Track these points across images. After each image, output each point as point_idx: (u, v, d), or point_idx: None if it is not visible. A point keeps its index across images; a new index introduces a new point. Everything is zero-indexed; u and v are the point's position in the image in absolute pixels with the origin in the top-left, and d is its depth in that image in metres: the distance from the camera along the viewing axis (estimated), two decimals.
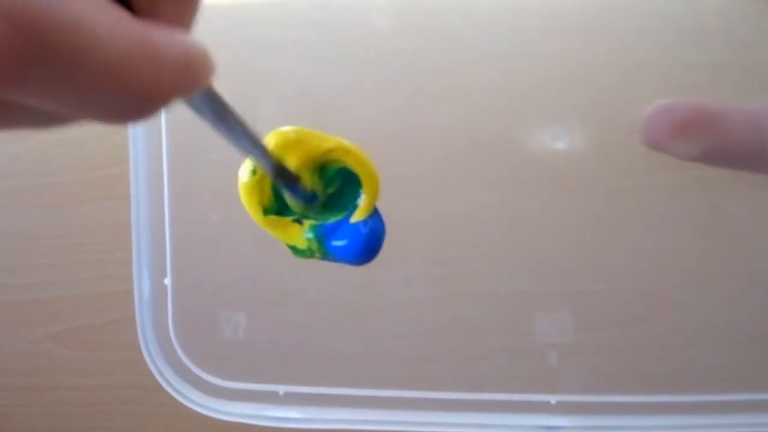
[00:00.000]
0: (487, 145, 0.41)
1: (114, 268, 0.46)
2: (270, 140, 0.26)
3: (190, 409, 0.41)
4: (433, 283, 0.42)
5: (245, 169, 0.27)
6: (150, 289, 0.41)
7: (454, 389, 0.41)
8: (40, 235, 0.47)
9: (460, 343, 0.43)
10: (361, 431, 0.41)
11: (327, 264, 0.29)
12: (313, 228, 0.28)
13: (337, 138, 0.27)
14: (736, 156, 0.22)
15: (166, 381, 0.41)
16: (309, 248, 0.28)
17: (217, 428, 0.42)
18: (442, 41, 0.41)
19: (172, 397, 0.41)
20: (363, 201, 0.28)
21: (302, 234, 0.28)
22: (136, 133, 0.40)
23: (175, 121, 0.40)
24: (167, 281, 0.41)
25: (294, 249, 0.29)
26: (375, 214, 0.28)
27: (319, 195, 0.27)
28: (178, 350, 0.42)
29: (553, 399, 0.40)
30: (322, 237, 0.28)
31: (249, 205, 0.27)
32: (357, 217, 0.28)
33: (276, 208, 0.27)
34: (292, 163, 0.26)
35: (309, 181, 0.26)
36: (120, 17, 0.14)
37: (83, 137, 0.46)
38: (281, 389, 0.42)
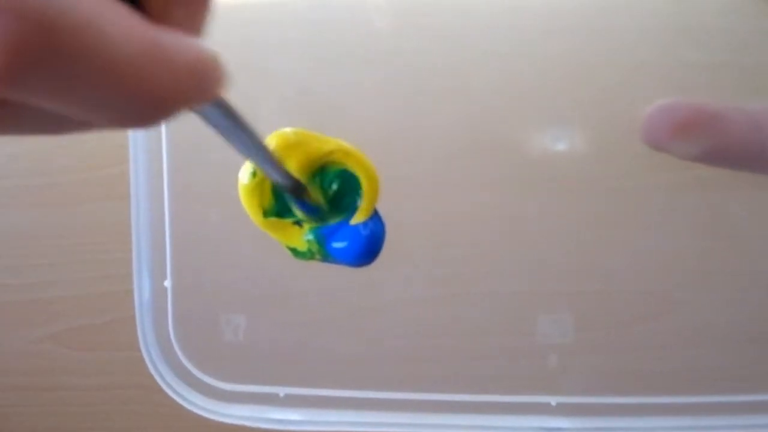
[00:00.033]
0: (487, 145, 0.41)
1: (114, 268, 0.46)
2: (270, 142, 0.26)
3: (190, 410, 0.41)
4: (433, 283, 0.42)
5: (245, 171, 0.27)
6: (150, 291, 0.41)
7: (454, 391, 0.41)
8: (40, 235, 0.47)
9: (460, 343, 0.43)
10: None
11: (327, 266, 0.29)
12: (314, 230, 0.28)
13: (337, 140, 0.27)
14: (736, 156, 0.22)
15: (167, 384, 0.41)
16: (309, 250, 0.28)
17: (218, 429, 0.42)
18: (442, 41, 0.41)
19: (172, 398, 0.41)
20: (363, 203, 0.28)
21: (302, 236, 0.28)
22: (136, 133, 0.40)
23: (175, 121, 0.40)
24: (167, 283, 0.41)
25: (294, 251, 0.29)
26: (375, 216, 0.28)
27: (323, 206, 0.27)
28: (179, 352, 0.42)
29: (553, 400, 0.40)
30: (323, 239, 0.28)
31: (249, 207, 0.27)
32: (357, 219, 0.28)
33: (276, 210, 0.27)
34: (292, 165, 0.26)
35: (308, 188, 0.26)
36: (130, 19, 0.14)
37: (83, 137, 0.46)
38: (281, 391, 0.42)
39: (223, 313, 0.42)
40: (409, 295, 0.42)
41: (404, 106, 0.41)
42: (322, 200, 0.27)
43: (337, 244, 0.28)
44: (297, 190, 0.26)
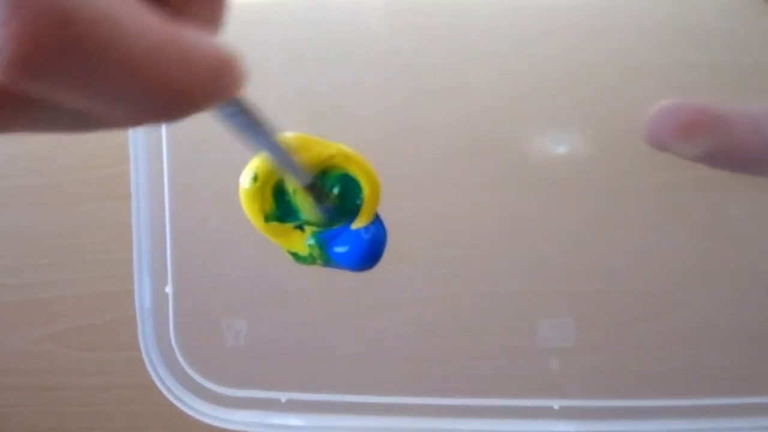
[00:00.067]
0: (487, 145, 0.41)
1: (114, 268, 0.46)
2: None
3: (192, 416, 0.41)
4: (433, 283, 0.42)
5: (246, 175, 0.27)
6: (151, 297, 0.41)
7: (455, 394, 0.41)
8: (40, 235, 0.47)
9: (461, 343, 0.43)
10: None
11: (328, 270, 0.29)
12: (315, 235, 0.28)
13: (339, 144, 0.27)
14: (738, 157, 0.22)
15: (168, 389, 0.41)
16: (311, 255, 0.28)
17: None
18: (442, 41, 0.41)
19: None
20: (364, 207, 0.28)
21: (304, 241, 0.28)
22: (136, 134, 0.40)
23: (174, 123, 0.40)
24: (168, 289, 0.41)
25: (296, 256, 0.28)
26: (377, 220, 0.28)
27: (341, 206, 0.27)
28: (180, 358, 0.42)
29: (556, 404, 0.40)
30: (324, 243, 0.28)
31: (250, 212, 0.27)
32: (359, 223, 0.28)
33: (277, 214, 0.27)
34: None
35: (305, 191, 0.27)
36: (147, 13, 0.14)
37: (83, 137, 0.46)
38: (283, 396, 0.41)
39: (225, 318, 0.42)
40: (409, 295, 0.42)
41: (404, 106, 0.41)
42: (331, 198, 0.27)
43: (339, 249, 0.28)
44: (316, 188, 0.26)
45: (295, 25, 0.41)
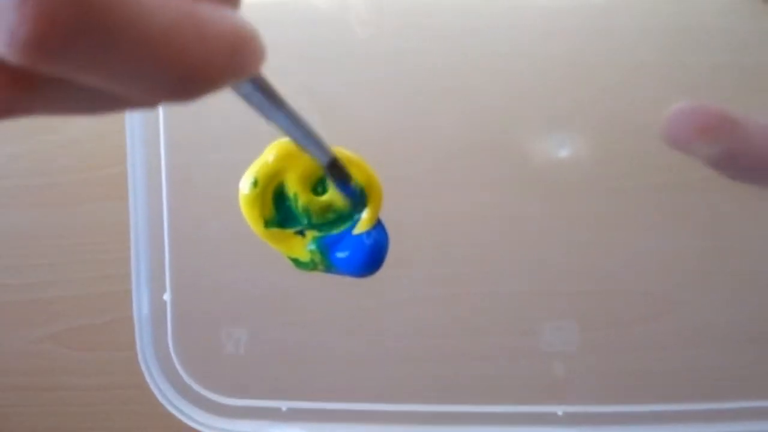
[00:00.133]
0: (487, 145, 0.41)
1: (114, 268, 0.46)
2: (271, 151, 0.26)
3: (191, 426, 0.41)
4: (433, 283, 0.42)
5: (246, 180, 0.27)
6: (149, 305, 0.41)
7: (457, 399, 0.41)
8: (40, 235, 0.47)
9: (461, 344, 0.43)
10: None
11: (329, 277, 0.29)
12: (316, 240, 0.28)
13: (340, 149, 0.26)
14: (752, 162, 0.22)
15: (167, 399, 0.41)
16: (312, 260, 0.28)
17: None
18: (442, 41, 0.41)
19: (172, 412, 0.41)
20: (366, 212, 0.27)
21: (305, 246, 0.28)
22: (133, 135, 0.40)
23: (175, 120, 0.40)
24: (166, 297, 0.41)
25: (296, 262, 0.28)
26: (378, 225, 0.28)
27: (361, 187, 0.27)
28: (178, 367, 0.41)
29: (560, 410, 0.40)
30: (325, 249, 0.28)
31: (250, 217, 0.27)
32: (360, 228, 0.28)
33: (277, 220, 0.27)
34: (294, 174, 0.26)
35: (306, 196, 0.26)
36: None
37: (83, 137, 0.46)
38: (284, 405, 0.41)
39: (224, 326, 0.42)
40: (409, 296, 0.42)
41: (404, 106, 0.41)
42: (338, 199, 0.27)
43: (340, 254, 0.28)
44: (338, 168, 0.25)
45: (295, 25, 0.41)
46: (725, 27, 0.39)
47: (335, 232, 0.28)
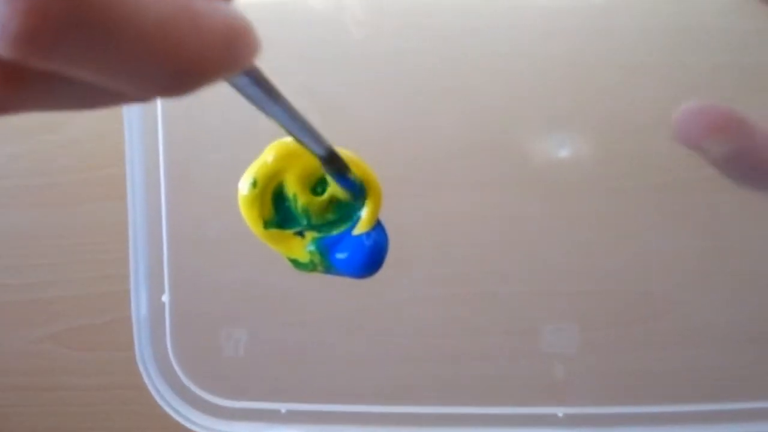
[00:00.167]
0: (487, 145, 0.41)
1: (114, 268, 0.46)
2: (270, 151, 0.26)
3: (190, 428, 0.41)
4: (433, 283, 0.42)
5: (245, 181, 0.26)
6: (147, 307, 0.41)
7: (457, 400, 0.41)
8: (40, 235, 0.47)
9: (461, 344, 0.43)
10: None
11: (328, 277, 0.28)
12: (316, 241, 0.28)
13: (340, 149, 0.26)
14: (757, 162, 0.22)
15: (166, 401, 0.41)
16: (311, 261, 0.28)
17: None
18: (442, 41, 0.41)
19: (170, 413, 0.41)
20: (366, 213, 0.27)
21: (304, 247, 0.28)
22: (132, 135, 0.40)
23: (173, 120, 0.40)
24: (165, 298, 0.41)
25: (296, 263, 0.28)
26: (378, 226, 0.28)
27: (360, 180, 0.27)
28: (177, 369, 0.41)
29: (560, 411, 0.40)
30: (325, 250, 0.28)
31: (249, 218, 0.27)
32: (360, 229, 0.27)
33: (277, 221, 0.27)
34: (293, 174, 0.25)
35: (305, 197, 0.26)
36: None
37: (83, 137, 0.46)
38: (283, 407, 0.41)
39: (223, 327, 0.42)
40: (409, 296, 0.42)
41: (404, 106, 0.41)
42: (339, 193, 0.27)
43: (340, 255, 0.27)
44: (336, 160, 0.25)
45: (295, 25, 0.41)
46: (725, 27, 0.39)
47: (335, 232, 0.28)
